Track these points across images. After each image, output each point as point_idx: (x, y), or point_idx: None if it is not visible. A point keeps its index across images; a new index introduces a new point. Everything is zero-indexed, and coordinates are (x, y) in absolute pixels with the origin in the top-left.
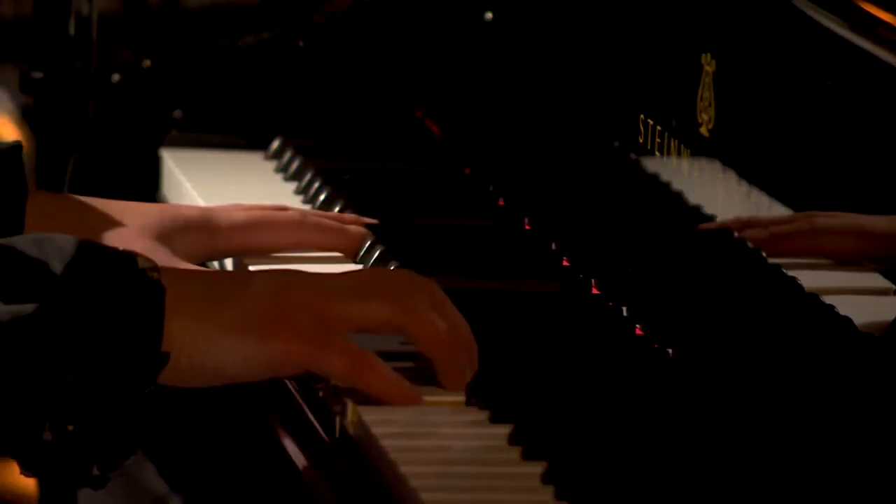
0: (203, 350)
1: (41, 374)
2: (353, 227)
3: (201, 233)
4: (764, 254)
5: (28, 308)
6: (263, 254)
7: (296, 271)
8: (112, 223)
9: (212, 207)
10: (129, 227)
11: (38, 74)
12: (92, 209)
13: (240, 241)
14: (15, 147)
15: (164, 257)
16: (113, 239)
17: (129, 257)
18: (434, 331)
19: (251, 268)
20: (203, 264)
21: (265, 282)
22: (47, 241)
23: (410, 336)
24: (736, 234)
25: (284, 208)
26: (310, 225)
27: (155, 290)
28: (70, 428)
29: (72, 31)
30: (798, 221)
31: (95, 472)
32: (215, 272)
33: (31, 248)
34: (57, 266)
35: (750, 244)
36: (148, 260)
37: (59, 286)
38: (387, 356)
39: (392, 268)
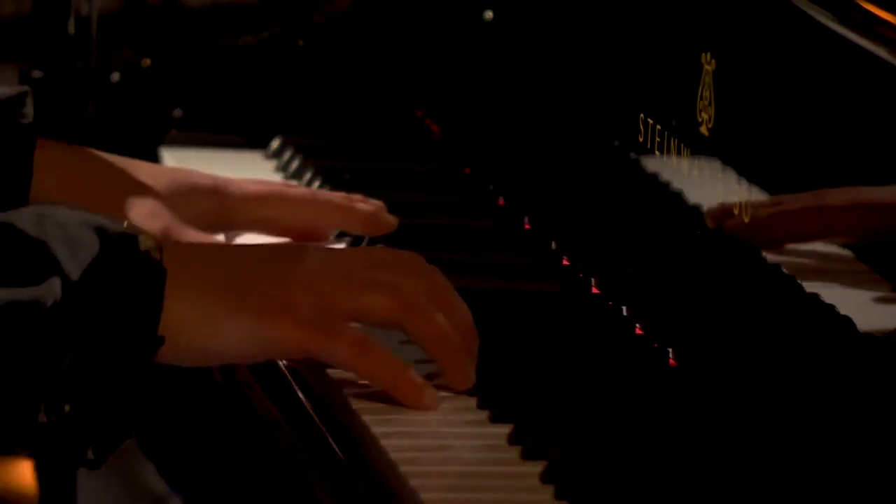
0: (203, 331)
1: (38, 356)
2: (360, 205)
3: (212, 200)
4: (762, 239)
5: (25, 293)
6: (272, 227)
7: (302, 249)
8: (124, 180)
9: (224, 178)
10: (140, 185)
11: (37, 73)
12: (105, 163)
13: (250, 213)
14: (22, 94)
15: (173, 221)
16: (122, 196)
17: (131, 238)
18: (436, 329)
19: None
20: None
21: (269, 262)
22: (49, 219)
23: (412, 334)
24: (746, 219)
25: (296, 186)
26: (320, 202)
27: (155, 272)
28: (66, 409)
29: (71, 30)
30: (806, 199)
31: (90, 455)
32: (221, 246)
33: (31, 225)
34: (57, 247)
35: (757, 239)
36: (152, 238)
37: (57, 269)
38: None
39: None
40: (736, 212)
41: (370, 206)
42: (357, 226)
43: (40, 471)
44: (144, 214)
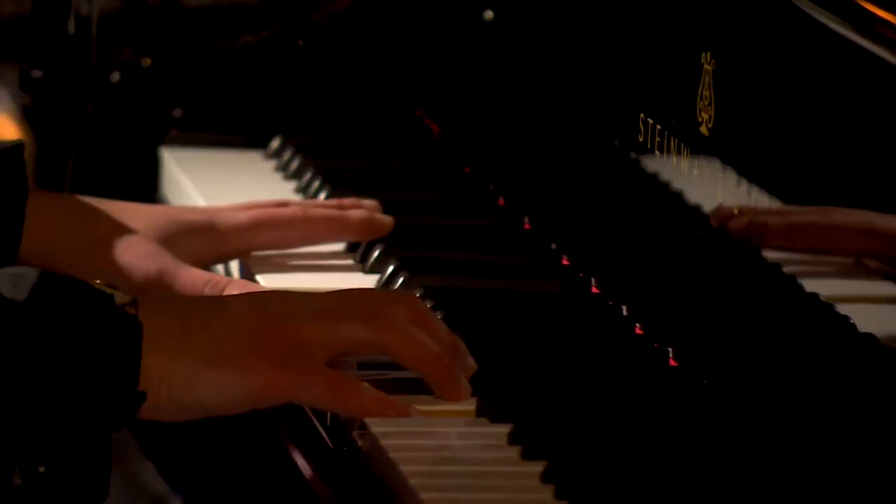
0: (182, 385)
1: (12, 416)
2: (353, 213)
3: (206, 237)
4: (762, 239)
5: None
6: (270, 250)
7: (273, 294)
8: (116, 226)
9: (214, 210)
10: (133, 229)
11: (37, 73)
12: (96, 211)
13: (245, 243)
14: (17, 146)
15: (168, 261)
16: (116, 242)
17: (106, 295)
18: (417, 346)
19: (258, 277)
20: (208, 267)
21: (241, 309)
22: (24, 279)
23: (394, 354)
24: (748, 221)
25: (285, 203)
26: (312, 219)
27: (132, 327)
28: (41, 470)
29: (71, 29)
30: (814, 214)
31: None
32: (192, 299)
33: (7, 287)
34: (30, 306)
35: (757, 240)
36: (126, 295)
37: (31, 327)
38: (387, 366)
39: (388, 273)
40: (736, 212)
41: (363, 211)
42: (352, 234)
43: None
44: (139, 257)
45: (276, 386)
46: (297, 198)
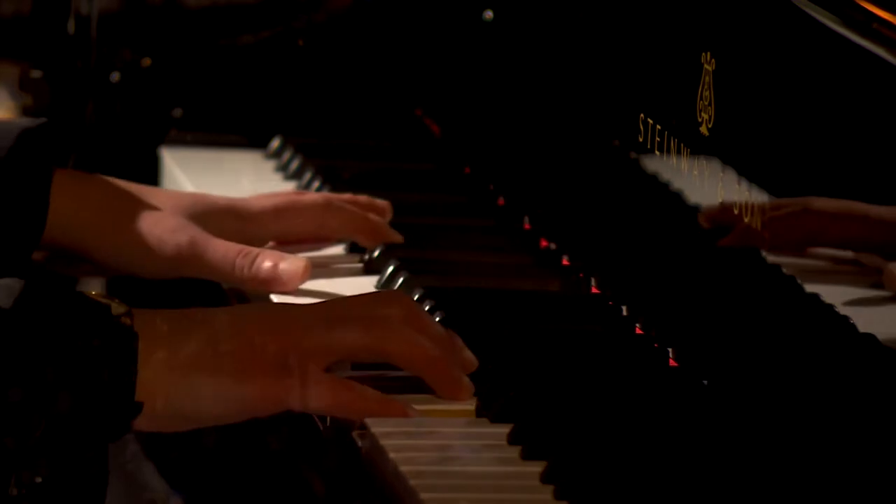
0: (177, 394)
1: (9, 427)
2: (371, 217)
3: (234, 219)
4: (762, 239)
5: None
6: (291, 238)
7: (267, 305)
8: (144, 203)
9: (239, 198)
10: (160, 206)
11: (37, 73)
12: (123, 190)
13: (268, 227)
14: (43, 126)
15: (198, 232)
16: (145, 218)
17: (103, 305)
18: (415, 348)
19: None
20: None
21: (237, 320)
22: (15, 291)
23: (392, 358)
24: (745, 219)
25: (306, 193)
26: (334, 208)
27: (127, 337)
28: (38, 481)
29: (71, 29)
30: (793, 206)
31: None
32: (186, 311)
33: (4, 296)
34: (26, 316)
35: (756, 240)
36: (122, 305)
37: (27, 337)
38: (382, 366)
39: (388, 273)
40: (735, 212)
41: (379, 218)
42: (365, 236)
43: None
44: (168, 230)
45: (274, 395)
46: None
